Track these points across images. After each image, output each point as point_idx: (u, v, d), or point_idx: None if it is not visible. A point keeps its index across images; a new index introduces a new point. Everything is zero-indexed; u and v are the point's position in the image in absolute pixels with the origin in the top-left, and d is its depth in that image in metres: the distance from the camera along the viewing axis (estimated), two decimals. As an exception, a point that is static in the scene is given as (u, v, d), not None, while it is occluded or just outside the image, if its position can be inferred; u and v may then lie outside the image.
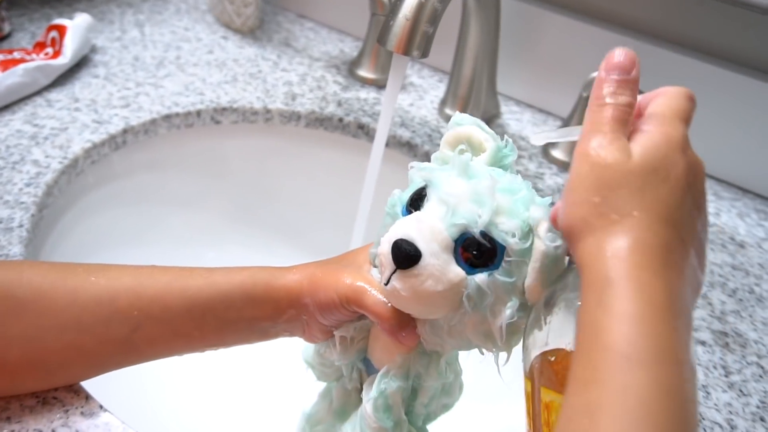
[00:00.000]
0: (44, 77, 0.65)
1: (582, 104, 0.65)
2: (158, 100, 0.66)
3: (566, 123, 0.67)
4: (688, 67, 0.64)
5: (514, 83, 0.74)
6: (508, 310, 0.32)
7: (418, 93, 0.75)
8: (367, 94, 0.73)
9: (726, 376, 0.49)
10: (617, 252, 0.26)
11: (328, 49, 0.80)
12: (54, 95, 0.65)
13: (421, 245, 0.32)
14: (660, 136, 0.29)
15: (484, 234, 0.32)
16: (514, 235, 0.32)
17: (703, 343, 0.51)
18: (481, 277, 0.32)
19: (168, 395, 0.55)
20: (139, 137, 0.64)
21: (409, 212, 0.35)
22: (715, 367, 0.49)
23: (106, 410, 0.40)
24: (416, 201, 0.35)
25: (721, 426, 0.45)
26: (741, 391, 0.48)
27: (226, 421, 0.57)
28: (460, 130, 0.37)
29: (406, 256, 0.32)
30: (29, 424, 0.39)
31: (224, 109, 0.68)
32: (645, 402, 0.23)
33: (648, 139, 0.29)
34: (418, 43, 0.51)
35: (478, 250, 0.32)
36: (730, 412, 0.46)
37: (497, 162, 0.36)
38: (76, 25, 0.69)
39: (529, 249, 0.32)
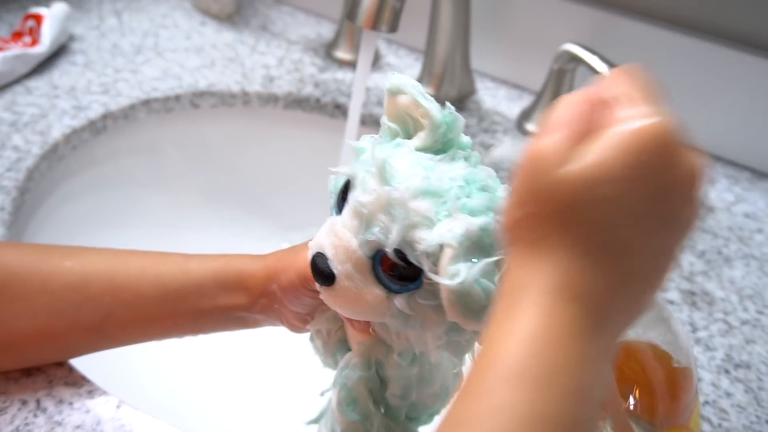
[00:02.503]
0: (23, 65, 0.65)
1: (554, 77, 0.66)
2: (137, 86, 0.67)
3: (539, 95, 0.68)
4: (657, 37, 0.66)
5: (488, 60, 0.76)
6: (436, 334, 0.29)
7: (394, 72, 0.76)
8: (344, 74, 0.74)
9: (693, 332, 0.50)
10: (529, 271, 0.24)
11: (306, 33, 0.81)
12: (33, 83, 0.66)
13: (335, 265, 0.29)
14: (618, 132, 0.23)
15: (399, 252, 0.28)
16: (429, 257, 0.27)
17: (671, 302, 0.53)
18: (399, 300, 0.29)
19: (153, 364, 0.56)
20: (119, 123, 0.65)
21: (339, 208, 0.31)
22: (682, 324, 0.51)
23: (89, 381, 0.42)
24: (343, 197, 0.31)
25: (687, 379, 0.47)
26: (707, 345, 0.49)
27: (213, 393, 0.58)
28: (398, 101, 0.31)
29: (321, 275, 0.30)
30: (14, 394, 0.40)
31: (203, 93, 0.69)
32: (516, 424, 0.21)
33: (603, 137, 0.23)
34: (386, 18, 0.52)
35: (396, 268, 0.28)
36: (697, 366, 0.48)
37: (439, 140, 0.30)
38: (53, 14, 0.69)
39: None
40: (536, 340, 0.23)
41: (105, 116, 0.64)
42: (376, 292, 0.29)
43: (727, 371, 0.48)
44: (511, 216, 0.25)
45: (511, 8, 0.71)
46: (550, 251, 0.23)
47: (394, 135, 0.32)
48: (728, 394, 0.46)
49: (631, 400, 0.31)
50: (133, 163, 0.69)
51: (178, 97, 0.68)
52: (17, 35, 0.69)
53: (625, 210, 0.23)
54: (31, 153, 0.57)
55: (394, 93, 0.31)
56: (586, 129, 0.24)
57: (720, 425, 0.44)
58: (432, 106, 0.30)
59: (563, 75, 0.65)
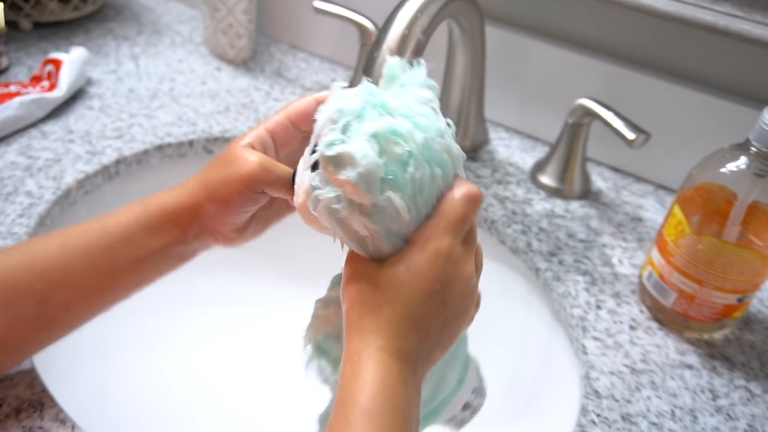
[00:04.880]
0: (39, 110, 0.66)
1: (568, 130, 0.66)
2: (151, 131, 0.68)
3: (554, 148, 0.68)
4: (670, 92, 0.65)
5: (502, 110, 0.76)
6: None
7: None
8: (358, 122, 0.74)
9: (713, 399, 0.49)
10: (368, 335, 0.33)
11: (320, 79, 0.82)
12: (49, 127, 0.66)
13: None
14: (416, 252, 0.34)
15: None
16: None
17: (690, 366, 0.51)
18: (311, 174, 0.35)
19: (157, 424, 0.55)
20: (132, 167, 0.65)
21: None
22: (702, 391, 0.49)
23: (91, 440, 0.41)
24: None
25: (708, 451, 0.45)
26: (728, 414, 0.48)
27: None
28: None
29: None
30: (14, 454, 0.39)
31: (216, 138, 0.69)
32: None
33: (409, 252, 0.35)
34: (402, 74, 0.52)
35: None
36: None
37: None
38: (72, 59, 0.70)
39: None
40: (381, 382, 0.32)
41: (118, 161, 0.64)
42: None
43: (750, 443, 0.46)
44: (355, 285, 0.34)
45: (527, 59, 0.72)
46: (381, 320, 0.33)
47: None
48: (752, 468, 0.44)
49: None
50: (144, 207, 0.68)
51: (191, 143, 0.68)
52: (36, 79, 0.70)
53: (422, 294, 0.34)
54: (43, 198, 0.57)
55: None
56: None
57: (744, 502, 0.42)
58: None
59: (578, 129, 0.65)
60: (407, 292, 0.34)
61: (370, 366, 0.32)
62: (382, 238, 0.34)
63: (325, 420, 0.43)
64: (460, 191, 0.35)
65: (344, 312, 0.35)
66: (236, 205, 0.38)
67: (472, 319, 0.38)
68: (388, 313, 0.33)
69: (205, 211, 0.39)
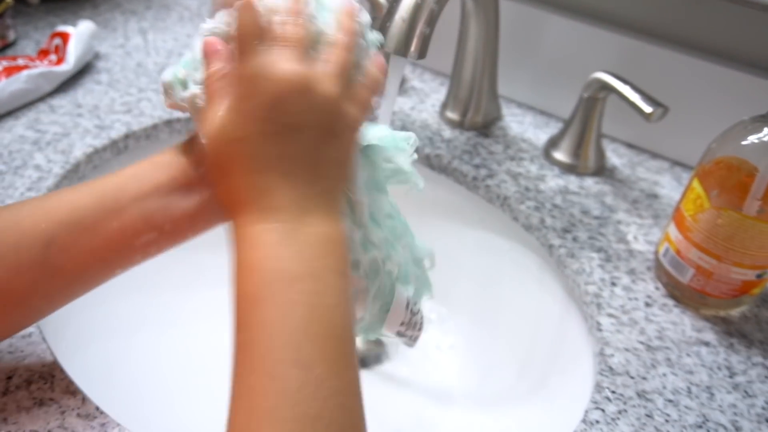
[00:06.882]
0: (47, 83, 0.65)
1: (583, 106, 0.64)
2: (160, 106, 0.67)
3: (568, 123, 0.66)
4: (688, 65, 0.64)
5: (516, 85, 0.74)
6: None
7: (419, 97, 0.75)
8: (369, 98, 0.73)
9: (730, 377, 0.48)
10: (234, 215, 0.35)
11: (330, 55, 0.80)
12: (57, 101, 0.65)
13: None
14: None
15: None
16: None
17: (706, 344, 0.50)
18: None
19: (168, 396, 0.54)
20: (141, 142, 0.64)
21: None
22: (719, 368, 0.48)
23: (102, 411, 0.40)
24: None
25: (725, 427, 0.44)
26: (746, 392, 0.47)
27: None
28: None
29: None
30: (25, 425, 0.39)
31: (225, 113, 0.68)
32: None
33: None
34: (415, 44, 0.51)
35: None
36: (735, 414, 0.45)
37: None
38: (80, 33, 0.69)
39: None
40: (253, 268, 0.32)
41: (127, 136, 0.63)
42: None
43: (768, 421, 0.45)
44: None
45: (540, 34, 0.70)
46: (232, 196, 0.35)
47: None
48: (769, 446, 0.44)
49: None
50: (153, 183, 0.68)
51: (200, 118, 0.67)
52: (43, 53, 0.69)
53: (246, 113, 0.34)
54: (52, 172, 0.57)
55: None
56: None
57: (761, 479, 0.42)
58: None
59: (593, 103, 0.64)
60: (239, 150, 0.33)
61: (243, 248, 0.33)
62: None
63: None
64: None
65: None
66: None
67: (356, 116, 0.35)
68: (233, 182, 0.33)
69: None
